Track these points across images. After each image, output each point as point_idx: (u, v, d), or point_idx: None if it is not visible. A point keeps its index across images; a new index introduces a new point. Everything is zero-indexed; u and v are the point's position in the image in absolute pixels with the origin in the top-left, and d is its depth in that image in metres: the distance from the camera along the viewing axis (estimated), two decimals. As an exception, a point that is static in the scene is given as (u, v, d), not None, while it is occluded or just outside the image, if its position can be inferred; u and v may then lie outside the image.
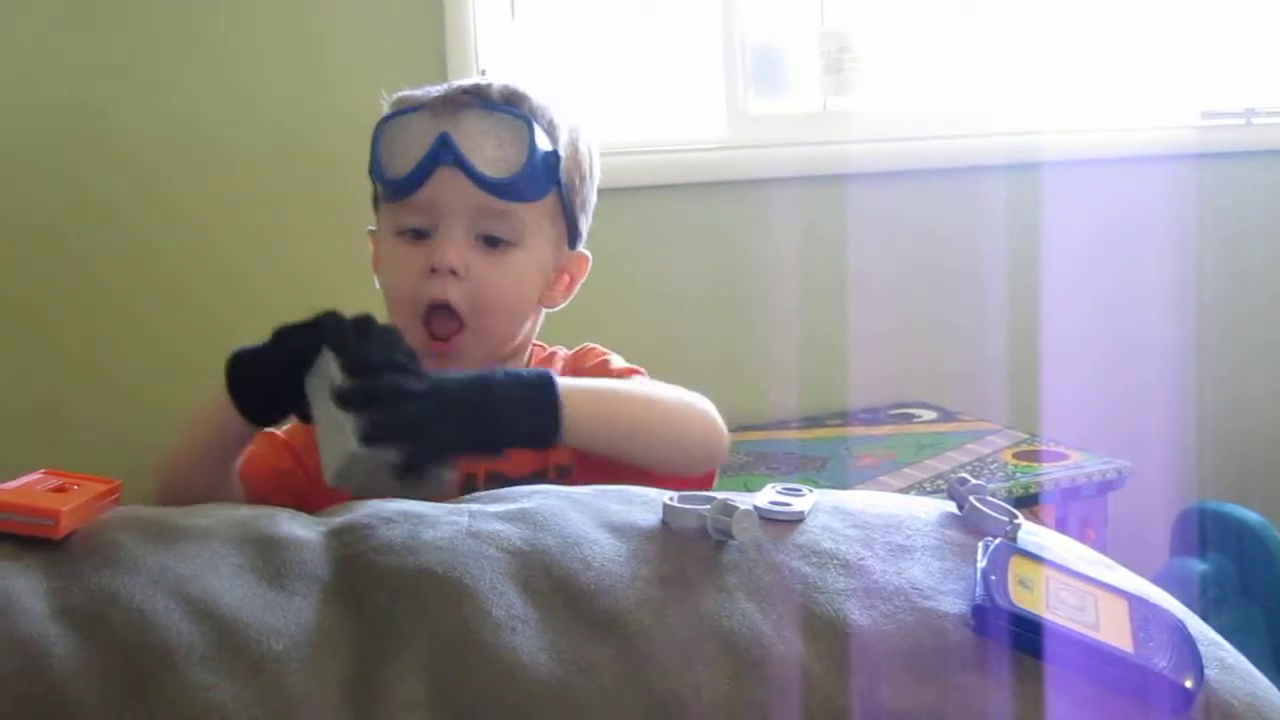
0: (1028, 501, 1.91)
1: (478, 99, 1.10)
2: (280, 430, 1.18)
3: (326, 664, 0.62)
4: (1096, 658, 0.66)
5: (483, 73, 1.20)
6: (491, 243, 1.10)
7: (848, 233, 2.30)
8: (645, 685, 0.63)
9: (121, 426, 2.06)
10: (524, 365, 1.19)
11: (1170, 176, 2.61)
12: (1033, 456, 2.06)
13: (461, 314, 1.09)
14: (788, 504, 0.78)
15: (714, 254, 2.30)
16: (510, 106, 1.10)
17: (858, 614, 0.68)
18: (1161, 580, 0.95)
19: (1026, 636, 0.66)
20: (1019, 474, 1.96)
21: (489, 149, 1.07)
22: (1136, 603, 0.72)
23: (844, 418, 2.33)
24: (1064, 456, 2.06)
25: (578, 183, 1.15)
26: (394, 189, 1.10)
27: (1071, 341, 2.45)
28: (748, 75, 2.44)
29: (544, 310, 1.20)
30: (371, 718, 0.60)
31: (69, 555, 0.67)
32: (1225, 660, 0.73)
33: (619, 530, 0.74)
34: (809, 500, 0.79)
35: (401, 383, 0.88)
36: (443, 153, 1.06)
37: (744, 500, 0.76)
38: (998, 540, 0.74)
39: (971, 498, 0.79)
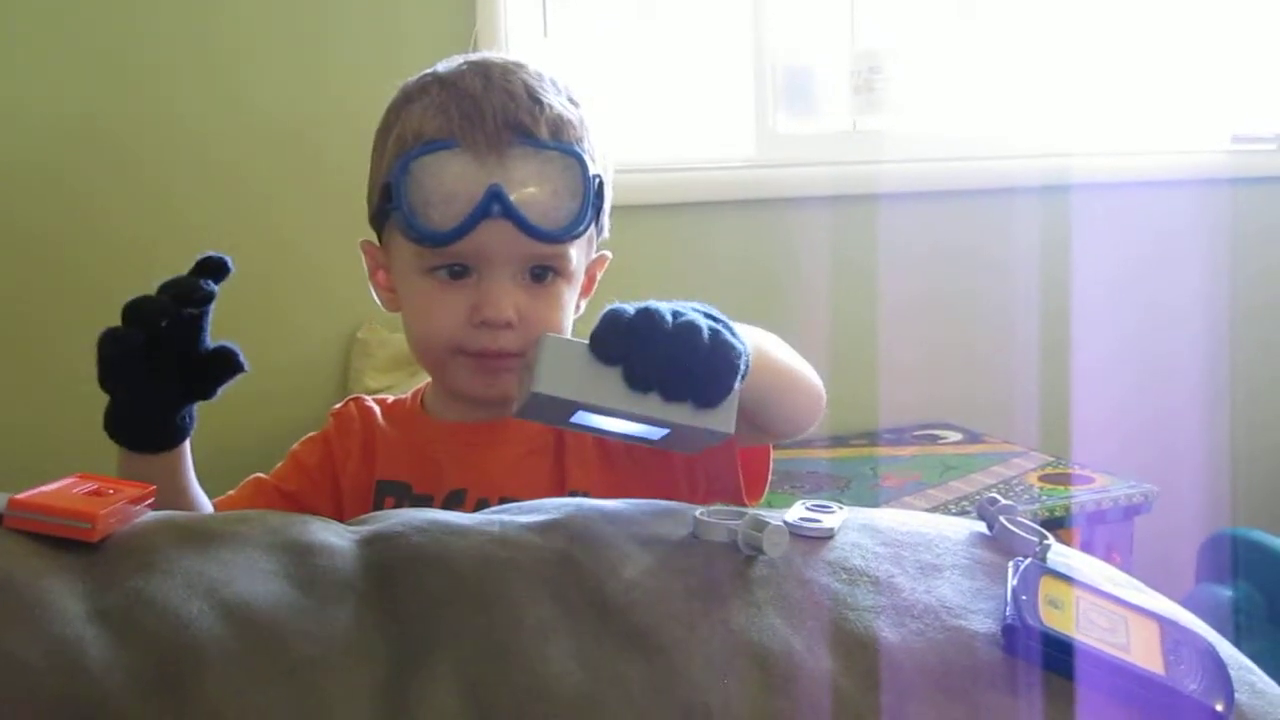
0: (1053, 525, 1.90)
1: (525, 137, 0.99)
2: (269, 475, 1.14)
3: (359, 670, 0.63)
4: (1127, 679, 0.66)
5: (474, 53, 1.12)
6: (539, 278, 1.03)
7: (876, 253, 2.31)
8: (675, 698, 0.63)
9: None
10: None
11: (1201, 201, 2.61)
12: (1059, 479, 2.05)
13: (513, 353, 1.03)
14: (818, 520, 0.78)
15: (742, 272, 2.31)
16: (561, 142, 1.00)
17: (887, 631, 0.68)
18: (1188, 606, 0.95)
19: (1057, 657, 0.66)
20: (1045, 496, 1.96)
21: (544, 197, 0.99)
22: (1167, 625, 0.72)
23: (870, 438, 2.33)
24: (1090, 480, 2.05)
25: (608, 192, 1.07)
26: (432, 240, 1.00)
27: (1101, 364, 2.45)
28: (778, 94, 2.45)
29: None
30: (403, 724, 0.61)
31: (104, 557, 0.68)
32: (1256, 685, 0.73)
33: (650, 543, 0.74)
34: (839, 517, 0.79)
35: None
36: (493, 207, 0.97)
37: (774, 516, 0.76)
38: (1028, 560, 0.74)
39: (1001, 518, 0.79)
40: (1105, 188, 2.55)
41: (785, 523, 0.76)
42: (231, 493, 1.13)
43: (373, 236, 1.14)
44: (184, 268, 2.20)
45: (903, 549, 0.77)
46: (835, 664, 0.66)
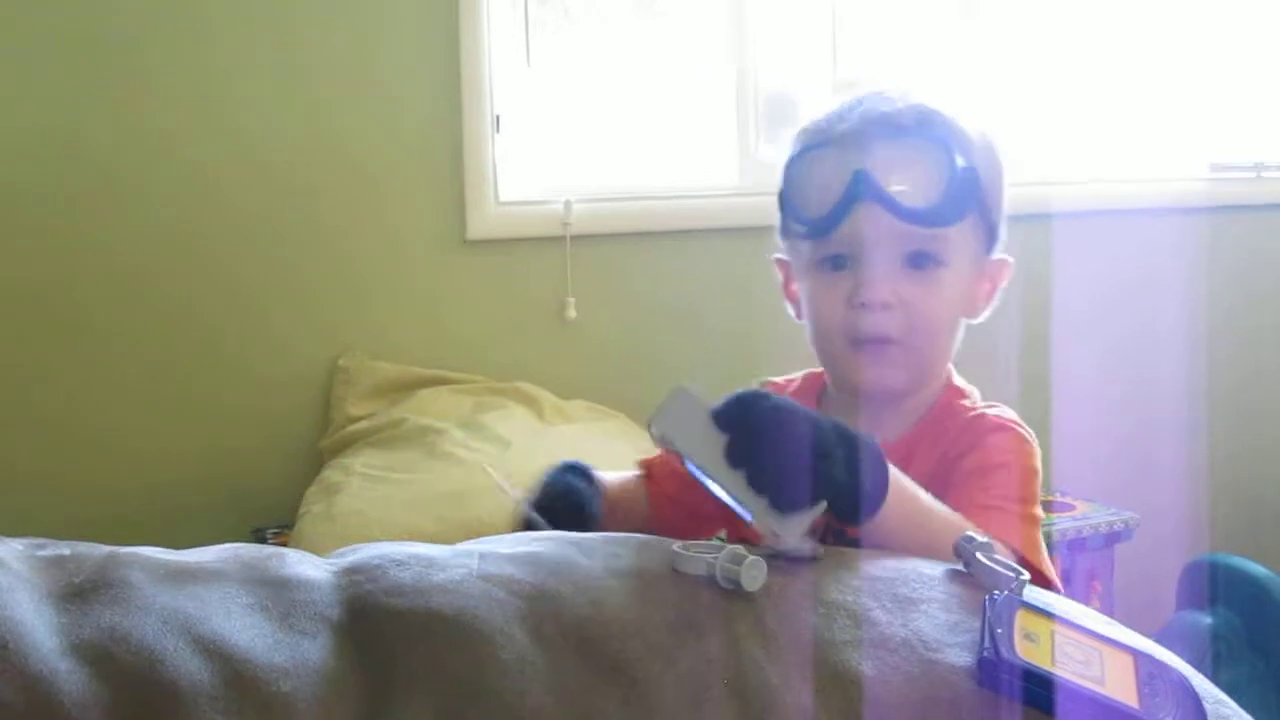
0: (1035, 552, 1.90)
1: (889, 128, 1.07)
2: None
3: (335, 705, 0.62)
4: (1102, 712, 0.66)
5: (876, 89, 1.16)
6: (919, 264, 1.07)
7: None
8: (651, 733, 0.63)
9: (121, 456, 2.08)
10: (935, 393, 1.14)
11: (1180, 229, 2.62)
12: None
13: (894, 339, 1.08)
14: (795, 553, 0.78)
15: (726, 300, 2.31)
16: (924, 131, 1.07)
17: (864, 664, 0.68)
18: (1169, 633, 0.96)
19: (1032, 690, 0.66)
20: (1026, 524, 1.96)
21: (907, 180, 1.04)
22: (1142, 659, 0.72)
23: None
24: (1071, 507, 2.06)
25: (994, 192, 1.11)
26: (812, 228, 1.08)
27: (1081, 392, 2.45)
28: (760, 122, 2.46)
29: (964, 322, 1.15)
30: (378, 761, 0.60)
31: (79, 592, 0.68)
32: (1230, 717, 0.73)
33: (628, 576, 0.74)
34: (816, 550, 0.79)
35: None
36: (861, 190, 1.04)
37: (751, 549, 0.77)
38: (1004, 594, 0.74)
39: (978, 554, 0.80)
40: (1085, 216, 2.56)
41: (764, 556, 0.76)
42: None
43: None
44: (171, 286, 2.19)
45: (880, 583, 0.77)
46: (813, 697, 0.66)
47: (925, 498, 0.95)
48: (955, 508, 0.98)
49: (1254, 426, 2.78)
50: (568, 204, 2.25)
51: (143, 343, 2.09)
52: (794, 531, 0.80)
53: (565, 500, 1.05)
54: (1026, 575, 0.78)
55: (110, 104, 2.04)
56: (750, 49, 2.45)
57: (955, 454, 1.08)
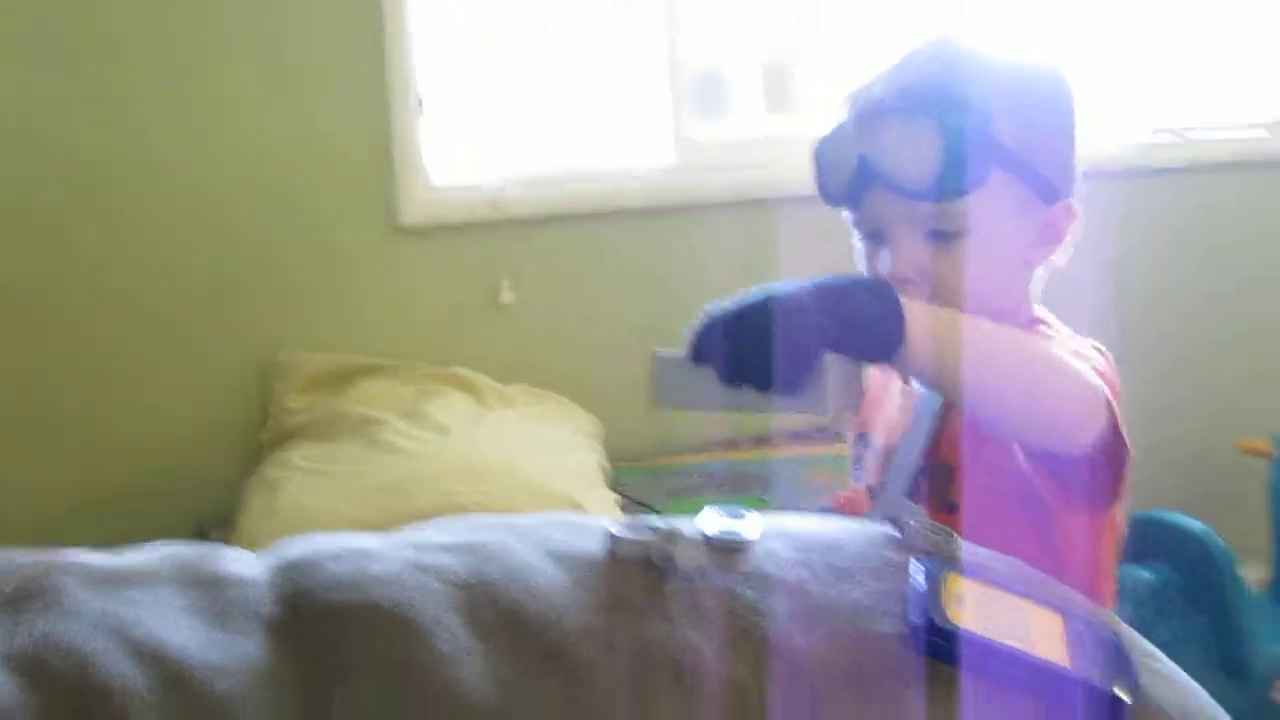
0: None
1: (888, 107, 1.10)
2: None
3: (274, 702, 0.63)
4: (1030, 672, 0.67)
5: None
6: (940, 237, 1.11)
7: (791, 257, 2.33)
8: (591, 715, 0.64)
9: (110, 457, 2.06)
10: None
11: (1115, 193, 2.65)
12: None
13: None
14: (732, 530, 0.79)
15: (662, 278, 2.32)
16: (921, 107, 1.09)
17: (798, 637, 0.69)
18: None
19: (959, 652, 0.67)
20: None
21: (904, 159, 1.08)
22: (1070, 617, 0.74)
23: (794, 437, 2.34)
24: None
25: (1033, 144, 1.12)
26: (834, 205, 1.16)
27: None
28: (691, 101, 2.46)
29: (1032, 272, 1.21)
30: (318, 755, 0.61)
31: (10, 601, 0.67)
32: (1160, 671, 0.75)
33: (563, 559, 0.74)
34: (753, 525, 0.80)
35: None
36: (865, 173, 1.10)
37: (688, 527, 0.77)
38: (931, 558, 0.75)
39: (908, 518, 0.81)
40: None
41: (702, 534, 0.77)
42: None
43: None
44: (108, 281, 2.17)
45: (814, 553, 0.78)
46: (748, 673, 0.67)
47: (954, 317, 0.99)
48: None
49: (1180, 383, 2.83)
50: (500, 187, 2.24)
51: (81, 338, 2.07)
52: (821, 402, 0.87)
53: None
54: (957, 538, 0.80)
55: (104, 115, 2.03)
56: (681, 27, 2.45)
57: None
